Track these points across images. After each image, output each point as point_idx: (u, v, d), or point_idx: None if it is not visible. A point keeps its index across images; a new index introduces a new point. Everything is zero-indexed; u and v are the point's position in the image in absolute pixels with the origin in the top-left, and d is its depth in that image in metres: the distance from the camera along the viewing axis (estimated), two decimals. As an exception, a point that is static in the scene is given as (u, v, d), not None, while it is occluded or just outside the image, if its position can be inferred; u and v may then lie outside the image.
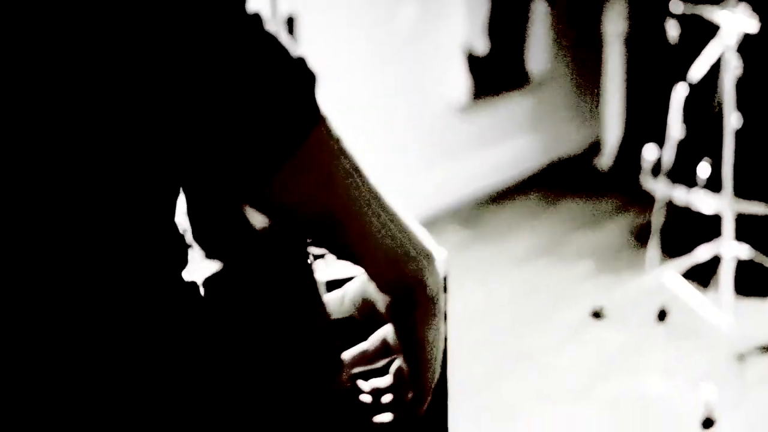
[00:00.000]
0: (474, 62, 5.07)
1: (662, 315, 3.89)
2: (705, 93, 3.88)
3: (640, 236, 4.57)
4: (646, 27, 5.10)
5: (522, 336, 3.87)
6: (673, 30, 3.94)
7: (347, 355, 1.08)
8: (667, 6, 3.97)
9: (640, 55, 5.27)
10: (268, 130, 0.87)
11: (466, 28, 4.98)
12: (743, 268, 3.87)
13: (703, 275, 3.96)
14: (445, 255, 2.14)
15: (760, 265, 3.95)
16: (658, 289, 3.91)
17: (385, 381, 1.06)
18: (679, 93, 3.79)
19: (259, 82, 0.86)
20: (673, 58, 4.25)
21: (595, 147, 5.63)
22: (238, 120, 0.86)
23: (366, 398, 1.06)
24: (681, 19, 3.94)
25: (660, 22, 4.13)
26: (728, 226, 3.73)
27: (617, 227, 4.86)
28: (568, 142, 5.69)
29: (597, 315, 3.93)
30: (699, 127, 4.01)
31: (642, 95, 5.25)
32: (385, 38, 4.61)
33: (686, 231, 4.24)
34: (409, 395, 1.02)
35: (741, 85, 3.66)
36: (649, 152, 4.07)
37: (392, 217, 0.95)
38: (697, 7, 3.76)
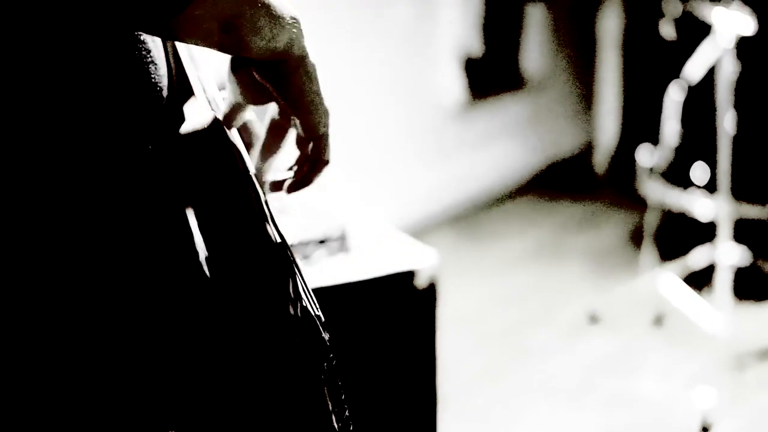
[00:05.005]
0: (469, 64, 5.05)
1: (659, 319, 3.86)
2: (701, 94, 3.86)
3: (636, 238, 4.55)
4: (641, 28, 5.08)
5: (517, 338, 3.85)
6: (668, 30, 3.91)
7: (251, 160, 1.18)
8: (662, 6, 3.95)
9: (636, 57, 5.25)
10: None
11: (461, 30, 4.95)
12: (741, 271, 3.84)
13: (699, 278, 3.93)
14: (435, 256, 2.13)
15: (758, 269, 3.93)
16: (654, 292, 3.89)
17: (290, 157, 1.18)
18: (674, 94, 3.77)
19: None
20: (668, 59, 4.23)
21: (590, 149, 5.61)
22: None
23: (287, 174, 1.19)
24: (676, 19, 3.91)
25: (655, 22, 4.10)
26: (724, 230, 3.70)
27: (613, 229, 4.84)
28: (564, 144, 5.67)
29: (593, 319, 3.91)
30: (695, 129, 3.98)
31: (638, 97, 5.23)
32: (379, 40, 4.58)
33: (682, 233, 4.22)
34: (309, 147, 1.15)
35: (738, 86, 3.63)
36: (644, 154, 4.04)
37: None
38: (692, 5, 3.73)
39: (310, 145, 1.15)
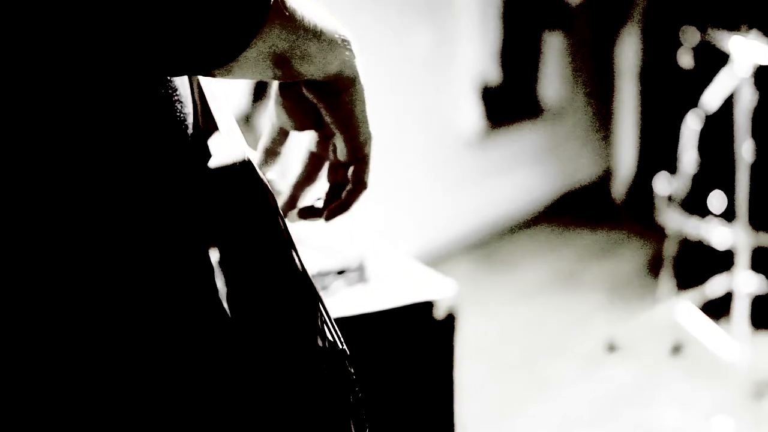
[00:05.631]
0: (487, 92, 5.06)
1: (677, 348, 3.85)
2: (719, 123, 3.86)
3: (654, 267, 4.54)
4: (659, 56, 5.09)
5: (535, 368, 3.84)
6: (686, 59, 3.92)
7: (290, 192, 1.21)
8: (680, 35, 3.95)
9: (654, 85, 5.25)
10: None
11: (480, 59, 4.97)
12: (759, 300, 3.83)
13: (717, 307, 3.92)
14: (454, 287, 2.13)
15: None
16: (672, 321, 3.88)
17: (324, 187, 1.19)
18: (692, 123, 3.77)
19: None
20: (686, 87, 4.23)
21: (608, 177, 5.61)
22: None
23: (318, 203, 1.19)
24: (694, 48, 3.92)
25: (673, 51, 4.11)
26: (742, 258, 3.70)
27: (630, 258, 4.83)
28: (582, 173, 5.67)
29: (611, 348, 3.90)
30: (713, 158, 3.98)
31: (656, 125, 5.23)
32: (398, 68, 4.60)
33: (700, 262, 4.21)
34: (350, 173, 1.15)
35: (756, 115, 3.63)
36: (662, 183, 4.04)
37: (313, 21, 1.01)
38: (710, 35, 3.74)
39: (350, 170, 1.15)
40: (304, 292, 1.00)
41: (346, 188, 1.17)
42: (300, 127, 1.15)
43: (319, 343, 1.00)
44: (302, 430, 1.00)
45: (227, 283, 0.97)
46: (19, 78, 0.87)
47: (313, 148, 1.20)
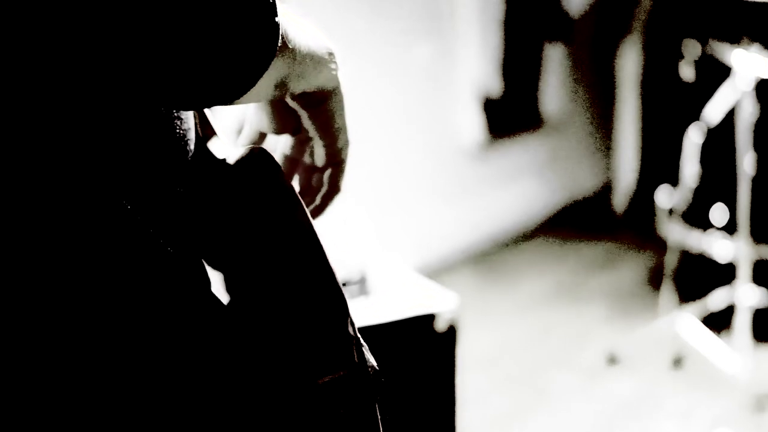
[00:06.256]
0: (488, 104, 5.06)
1: (678, 361, 3.85)
2: (721, 136, 3.86)
3: (655, 279, 4.54)
4: (660, 69, 5.09)
5: (536, 380, 3.84)
6: (687, 72, 3.92)
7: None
8: (682, 48, 3.96)
9: (655, 97, 5.26)
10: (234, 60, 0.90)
11: (481, 70, 4.97)
12: (760, 313, 3.83)
13: (719, 320, 3.92)
14: (456, 300, 2.13)
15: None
16: (674, 334, 3.88)
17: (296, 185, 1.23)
18: (694, 136, 3.77)
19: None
20: (688, 100, 4.24)
21: (609, 189, 5.61)
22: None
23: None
24: (696, 60, 3.92)
25: (675, 63, 4.11)
26: (744, 271, 3.69)
27: (632, 270, 4.83)
28: (583, 184, 5.67)
29: (612, 360, 3.89)
30: (715, 171, 3.98)
31: (657, 138, 5.23)
32: (399, 80, 4.60)
33: (702, 275, 4.21)
34: (326, 173, 1.19)
35: (757, 128, 3.63)
36: (664, 195, 4.03)
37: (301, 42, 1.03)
38: (712, 48, 3.74)
39: (326, 174, 1.19)
40: (335, 279, 1.01)
41: (321, 192, 1.21)
42: (279, 131, 1.18)
43: (350, 330, 1.01)
44: (332, 413, 1.00)
45: (263, 269, 0.99)
46: (24, 90, 0.87)
47: (288, 152, 1.23)
